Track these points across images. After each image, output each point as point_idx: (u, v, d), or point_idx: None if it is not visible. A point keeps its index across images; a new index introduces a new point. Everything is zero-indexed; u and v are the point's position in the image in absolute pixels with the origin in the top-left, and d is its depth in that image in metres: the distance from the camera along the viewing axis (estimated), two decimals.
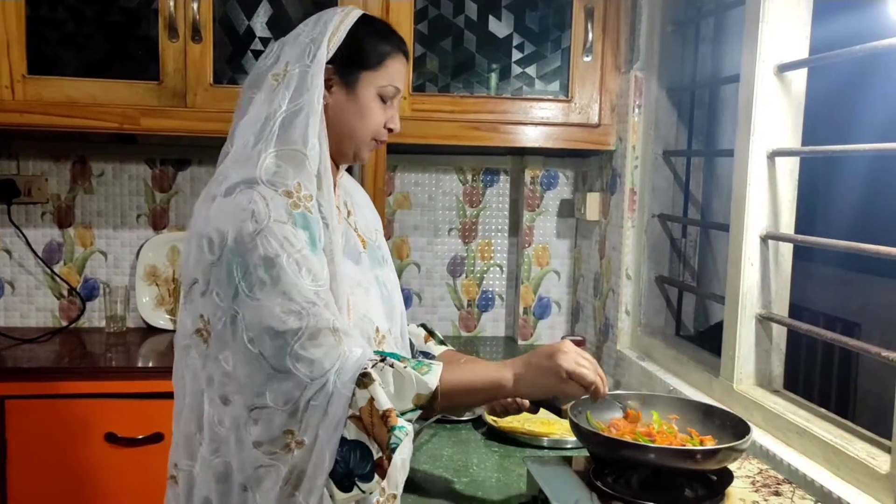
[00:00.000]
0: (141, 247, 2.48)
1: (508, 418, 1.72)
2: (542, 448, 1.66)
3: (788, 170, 1.66)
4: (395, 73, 1.33)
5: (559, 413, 1.58)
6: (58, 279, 2.45)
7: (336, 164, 1.36)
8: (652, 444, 1.20)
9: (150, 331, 2.46)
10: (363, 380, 1.11)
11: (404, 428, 1.10)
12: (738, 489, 1.25)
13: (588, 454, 1.33)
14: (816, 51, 1.62)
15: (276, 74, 1.26)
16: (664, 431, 1.28)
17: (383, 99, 1.32)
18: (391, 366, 1.15)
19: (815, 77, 1.65)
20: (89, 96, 2.08)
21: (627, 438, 1.23)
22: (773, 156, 1.64)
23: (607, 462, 1.28)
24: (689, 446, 1.23)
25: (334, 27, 1.28)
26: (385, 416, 1.10)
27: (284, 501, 1.14)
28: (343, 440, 1.10)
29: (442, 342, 1.57)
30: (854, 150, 1.45)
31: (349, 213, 1.42)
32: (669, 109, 2.18)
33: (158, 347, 2.33)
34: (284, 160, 1.21)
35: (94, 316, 2.49)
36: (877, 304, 3.08)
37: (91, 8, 2.09)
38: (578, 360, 1.23)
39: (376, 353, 1.18)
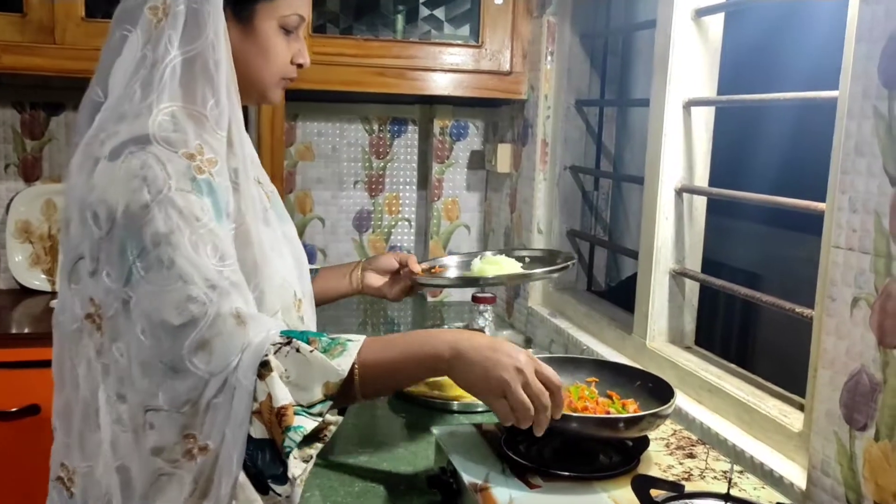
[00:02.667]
0: (11, 200, 2.24)
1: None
2: (453, 412, 1.58)
3: (704, 121, 1.61)
4: None
5: None
6: None
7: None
8: (574, 413, 1.13)
9: (23, 292, 2.24)
10: (262, 370, 0.96)
11: (301, 428, 0.94)
12: (653, 452, 1.21)
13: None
14: None
15: (153, 8, 1.04)
16: (585, 396, 1.22)
17: (286, 30, 1.14)
18: (297, 350, 0.97)
19: (738, 26, 1.60)
20: None
21: None
22: (688, 105, 1.58)
23: (521, 430, 1.21)
24: (613, 413, 1.17)
25: None
26: (280, 413, 0.94)
27: None
28: (249, 439, 0.95)
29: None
30: (772, 100, 1.40)
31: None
32: (582, 57, 2.10)
33: (33, 311, 2.12)
34: (182, 117, 1.03)
35: None
36: (778, 256, 3.15)
37: None
38: (520, 395, 1.00)
39: (283, 333, 1.00)
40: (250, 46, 1.12)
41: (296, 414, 0.95)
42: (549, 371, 1.03)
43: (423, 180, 2.57)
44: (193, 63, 1.04)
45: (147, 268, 0.97)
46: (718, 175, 1.64)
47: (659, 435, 1.27)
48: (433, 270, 1.56)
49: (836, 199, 1.10)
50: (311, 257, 2.45)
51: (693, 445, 1.25)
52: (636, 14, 2.08)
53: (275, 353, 0.97)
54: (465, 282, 1.64)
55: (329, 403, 0.97)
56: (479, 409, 1.57)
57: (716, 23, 1.58)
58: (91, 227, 1.00)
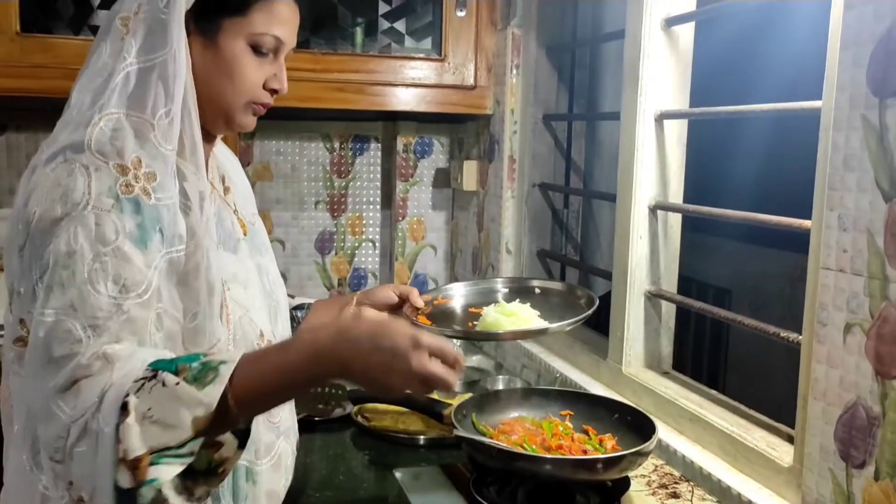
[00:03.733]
0: None
1: (380, 414, 1.53)
2: (419, 448, 1.48)
3: (677, 134, 1.54)
4: (274, 18, 1.04)
5: (440, 418, 1.41)
6: None
7: (208, 132, 1.09)
8: (548, 456, 1.04)
9: None
10: (123, 411, 0.83)
11: (156, 481, 0.81)
12: (634, 493, 1.12)
13: (470, 462, 1.16)
14: (705, 2, 1.50)
15: (124, 18, 0.99)
16: (559, 433, 1.12)
17: (258, 51, 1.04)
18: (163, 383, 0.85)
19: (706, 34, 1.53)
20: None
21: (521, 449, 1.06)
22: (661, 118, 1.51)
23: (493, 471, 1.11)
24: (590, 453, 1.08)
25: None
26: (134, 465, 0.81)
27: None
28: (120, 491, 0.82)
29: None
30: (749, 111, 1.34)
31: (226, 189, 1.16)
32: (549, 70, 2.03)
33: None
34: (125, 125, 0.95)
35: None
36: (747, 271, 3.12)
37: None
38: (430, 362, 0.87)
39: (153, 364, 0.87)
40: (214, 64, 1.03)
41: (151, 464, 0.82)
42: (441, 345, 0.88)
43: (387, 200, 2.47)
44: (150, 73, 0.97)
45: (43, 290, 0.89)
46: (688, 190, 1.57)
47: (639, 472, 1.19)
48: (436, 302, 1.39)
49: (823, 217, 1.02)
50: None
51: (676, 483, 1.17)
52: (603, 25, 2.02)
53: (137, 391, 0.84)
54: (478, 336, 1.42)
55: (200, 441, 0.84)
56: (448, 444, 1.47)
57: (686, 32, 1.52)
58: (17, 241, 0.94)
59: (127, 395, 0.83)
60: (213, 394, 0.84)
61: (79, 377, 0.86)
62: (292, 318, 1.32)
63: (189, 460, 0.84)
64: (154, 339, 0.93)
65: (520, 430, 1.16)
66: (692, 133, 1.55)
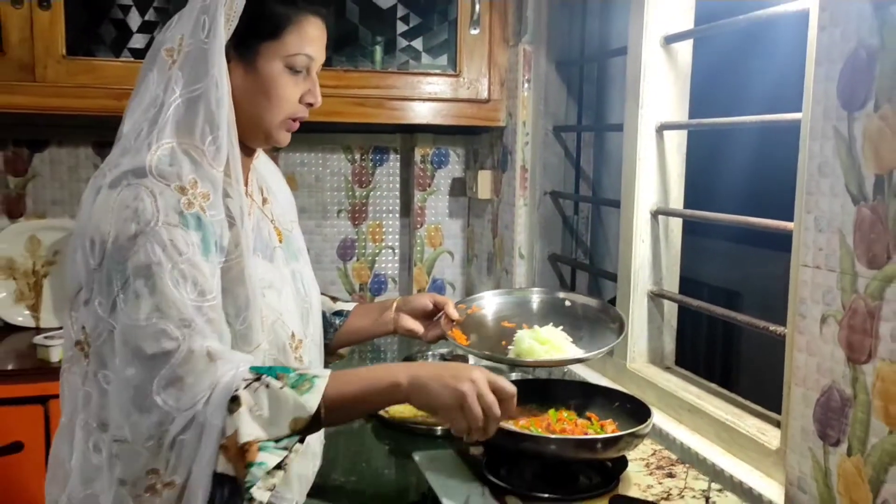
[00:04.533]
0: None
1: (399, 407, 1.64)
2: (437, 437, 1.58)
3: (676, 144, 1.64)
4: (305, 38, 1.13)
5: None
6: None
7: (248, 147, 1.19)
8: (552, 435, 1.14)
9: (7, 329, 2.23)
10: (232, 405, 0.97)
11: (264, 464, 0.95)
12: (633, 473, 1.22)
13: (482, 445, 1.26)
14: (701, 21, 1.60)
15: (169, 49, 1.09)
16: (563, 419, 1.23)
17: (293, 70, 1.13)
18: (267, 386, 0.99)
19: (704, 48, 1.63)
20: None
21: (527, 430, 1.17)
22: (661, 129, 1.61)
23: (503, 453, 1.22)
24: (591, 434, 1.18)
25: None
26: (244, 449, 0.95)
27: None
28: (213, 474, 0.97)
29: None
30: (740, 123, 1.44)
31: (265, 200, 1.26)
32: (559, 84, 2.14)
33: (17, 347, 2.11)
34: (179, 152, 1.06)
35: None
36: (756, 274, 3.18)
37: None
38: (480, 396, 1.04)
39: (252, 369, 1.02)
40: (254, 86, 1.12)
41: (260, 450, 0.96)
42: (502, 381, 1.06)
43: (406, 208, 2.59)
44: (196, 102, 1.06)
45: (127, 300, 0.99)
46: (688, 196, 1.67)
47: (639, 455, 1.29)
48: (469, 311, 1.46)
49: (802, 219, 1.12)
50: None
51: (673, 465, 1.26)
52: (610, 41, 2.12)
53: (245, 387, 0.98)
54: (513, 362, 1.45)
55: (296, 438, 1.00)
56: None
57: (685, 49, 1.62)
58: (87, 256, 1.03)
59: (236, 391, 0.97)
60: (311, 401, 0.99)
61: (183, 373, 0.97)
62: (330, 325, 1.42)
63: (284, 454, 0.98)
64: (226, 340, 1.05)
65: (527, 416, 1.26)
66: (690, 141, 1.65)
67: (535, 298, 1.47)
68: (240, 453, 0.95)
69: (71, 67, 1.91)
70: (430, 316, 1.41)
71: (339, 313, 1.43)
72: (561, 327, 1.33)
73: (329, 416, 1.02)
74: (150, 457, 0.98)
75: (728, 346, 3.16)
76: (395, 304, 1.42)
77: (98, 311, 1.02)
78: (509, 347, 1.33)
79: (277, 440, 0.98)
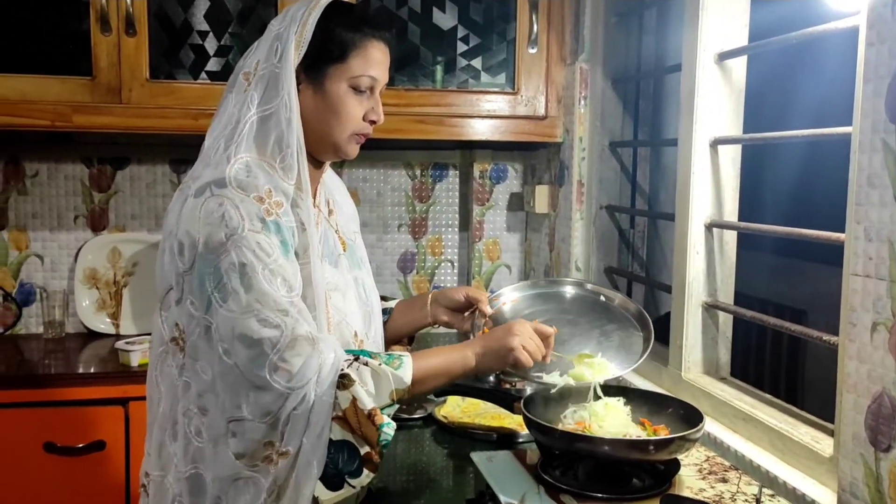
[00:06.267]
0: (79, 249, 2.39)
1: (458, 413, 1.70)
2: (493, 442, 1.64)
3: (731, 157, 1.67)
4: (369, 61, 1.23)
5: (511, 408, 1.57)
6: None
7: (318, 161, 1.30)
8: (606, 437, 1.19)
9: (90, 336, 2.38)
10: (343, 381, 1.11)
11: (390, 423, 1.11)
12: (686, 477, 1.25)
13: (537, 447, 1.31)
14: (755, 38, 1.63)
15: (246, 73, 1.22)
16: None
17: (358, 90, 1.23)
18: (366, 364, 1.14)
19: (755, 63, 1.66)
20: (19, 93, 1.99)
21: (581, 431, 1.22)
22: (715, 144, 1.65)
23: (557, 455, 1.27)
24: (644, 436, 1.22)
25: (301, 20, 1.19)
26: (371, 415, 1.10)
27: None
28: (329, 442, 1.10)
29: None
30: (793, 137, 1.46)
31: (330, 212, 1.37)
32: (615, 100, 2.18)
33: (99, 353, 2.25)
34: (255, 166, 1.16)
35: (32, 322, 2.40)
36: (822, 291, 3.13)
37: (19, 0, 2.01)
38: (525, 343, 1.24)
39: (348, 352, 1.16)
40: (323, 105, 1.23)
41: (381, 411, 1.12)
42: (540, 325, 1.30)
43: (465, 222, 2.66)
44: (268, 120, 1.18)
45: (224, 297, 1.10)
46: (748, 209, 1.69)
47: (692, 461, 1.32)
48: (502, 305, 1.55)
49: (853, 229, 1.15)
50: None
51: (726, 471, 1.29)
52: (666, 55, 2.16)
53: (348, 367, 1.12)
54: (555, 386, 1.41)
55: (396, 407, 1.14)
56: (520, 440, 1.62)
57: (739, 65, 1.65)
58: (176, 259, 1.14)
59: (342, 370, 1.11)
60: (406, 374, 1.15)
61: (291, 356, 1.09)
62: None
63: (393, 423, 1.13)
64: (313, 329, 1.16)
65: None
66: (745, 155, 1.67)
67: (569, 291, 1.56)
68: (368, 419, 1.09)
69: (153, 90, 2.05)
70: (463, 309, 1.51)
71: (384, 311, 1.53)
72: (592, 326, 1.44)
73: (414, 388, 1.16)
74: (267, 430, 1.10)
75: (783, 359, 3.12)
76: (430, 298, 1.54)
77: (190, 310, 1.13)
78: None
79: (382, 409, 1.12)
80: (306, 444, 1.10)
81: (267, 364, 1.09)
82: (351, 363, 1.13)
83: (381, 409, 1.12)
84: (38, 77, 2.00)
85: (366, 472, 1.11)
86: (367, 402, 1.11)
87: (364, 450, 1.11)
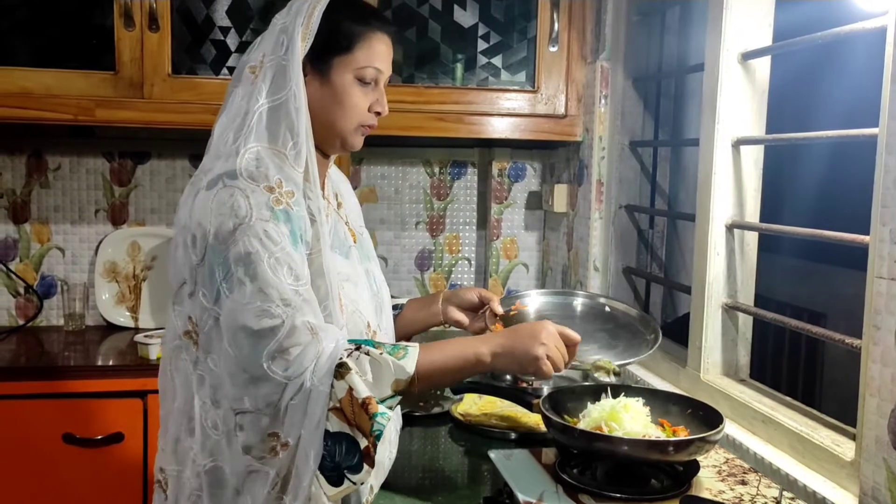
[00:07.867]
0: (100, 242, 2.41)
1: (475, 411, 1.70)
2: (511, 441, 1.63)
3: (753, 158, 1.66)
4: (374, 53, 1.25)
5: (529, 406, 1.56)
6: (13, 276, 2.38)
7: (325, 153, 1.32)
8: (625, 437, 1.18)
9: (109, 328, 2.40)
10: (340, 370, 1.09)
11: (385, 414, 1.08)
12: (705, 479, 1.24)
13: (555, 446, 1.31)
14: (779, 37, 1.61)
15: (252, 67, 1.23)
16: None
17: (363, 82, 1.25)
18: (367, 353, 1.12)
19: (779, 63, 1.65)
20: (44, 87, 2.01)
21: (600, 431, 1.21)
22: (737, 144, 1.63)
23: (575, 454, 1.26)
24: (663, 437, 1.21)
25: (307, 14, 1.21)
26: (365, 403, 1.07)
27: None
28: (326, 434, 1.08)
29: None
30: (817, 137, 1.45)
31: (339, 204, 1.38)
32: (636, 100, 2.17)
33: (118, 345, 2.27)
34: (265, 155, 1.17)
35: (52, 314, 2.42)
36: (843, 294, 3.11)
37: None
38: (551, 353, 1.21)
39: (351, 341, 1.14)
40: (329, 96, 1.25)
41: (378, 402, 1.08)
42: (567, 331, 1.26)
43: (483, 220, 2.66)
44: (278, 110, 1.19)
45: (230, 287, 1.11)
46: (769, 210, 1.68)
47: (711, 462, 1.31)
48: (513, 307, 1.55)
49: (878, 232, 1.13)
50: None
51: (745, 473, 1.28)
52: (688, 54, 2.14)
53: (348, 356, 1.10)
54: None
55: (397, 398, 1.12)
56: (538, 439, 1.62)
57: (762, 65, 1.64)
58: (189, 252, 1.15)
59: (341, 359, 1.09)
60: (409, 365, 1.12)
61: (289, 345, 1.09)
62: None
63: (389, 413, 1.09)
64: (320, 319, 1.15)
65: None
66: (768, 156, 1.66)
67: (579, 302, 1.57)
68: (362, 408, 1.07)
69: (175, 85, 2.06)
70: (475, 309, 1.51)
71: (394, 307, 1.53)
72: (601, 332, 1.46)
73: (421, 382, 1.14)
74: (270, 421, 1.10)
75: (801, 362, 3.10)
76: (441, 296, 1.54)
77: (203, 302, 1.14)
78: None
79: (382, 401, 1.10)
80: (304, 435, 1.09)
81: (265, 354, 1.09)
82: (351, 352, 1.11)
83: (382, 400, 1.10)
84: (63, 71, 2.02)
85: (366, 467, 1.09)
86: (363, 391, 1.08)
87: (363, 443, 1.09)
